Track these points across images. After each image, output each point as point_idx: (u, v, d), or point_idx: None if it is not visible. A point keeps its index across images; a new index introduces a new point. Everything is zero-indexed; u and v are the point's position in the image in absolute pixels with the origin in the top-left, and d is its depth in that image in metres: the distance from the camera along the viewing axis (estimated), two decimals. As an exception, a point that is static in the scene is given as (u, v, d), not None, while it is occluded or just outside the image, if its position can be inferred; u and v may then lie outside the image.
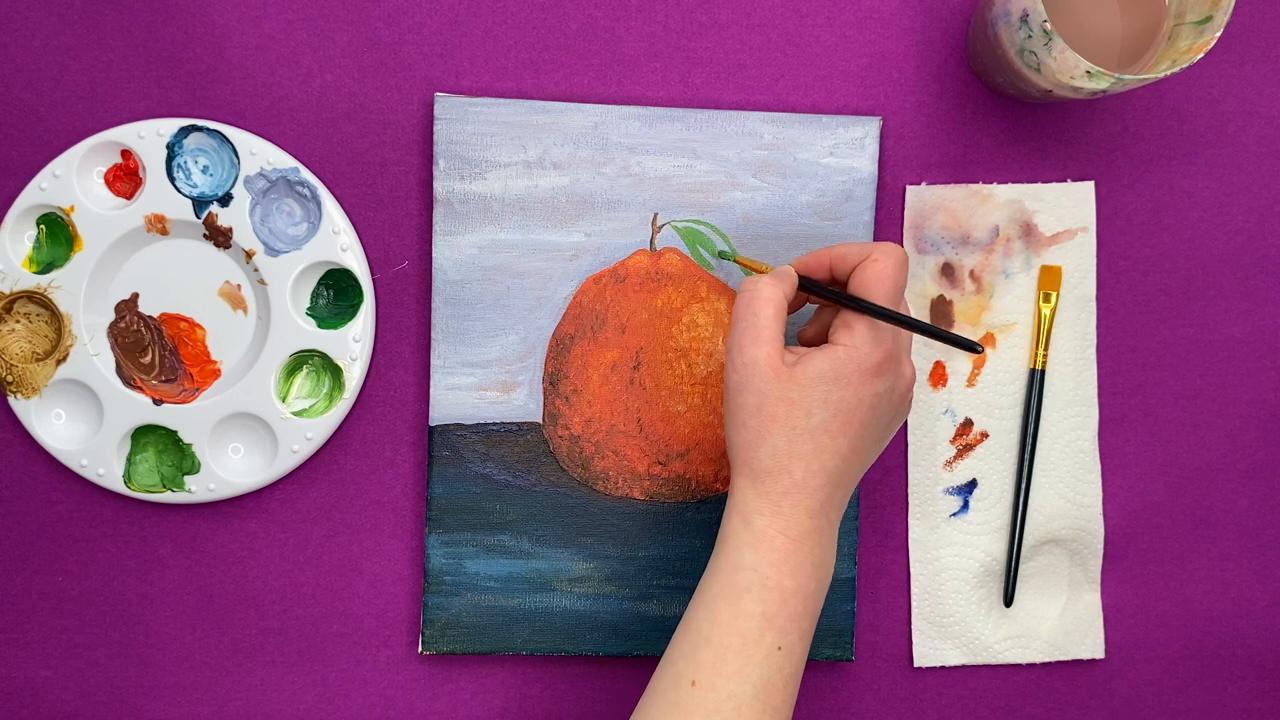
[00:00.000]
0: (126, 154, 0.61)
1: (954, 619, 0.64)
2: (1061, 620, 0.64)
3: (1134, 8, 0.57)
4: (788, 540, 0.50)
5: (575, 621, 0.62)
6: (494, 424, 0.61)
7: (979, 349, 0.49)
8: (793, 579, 0.50)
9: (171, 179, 0.60)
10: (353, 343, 0.61)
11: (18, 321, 0.61)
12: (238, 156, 0.60)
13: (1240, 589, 0.65)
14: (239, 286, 0.62)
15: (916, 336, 0.63)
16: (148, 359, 0.62)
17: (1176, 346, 0.64)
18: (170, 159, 0.60)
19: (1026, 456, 0.63)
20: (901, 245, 0.63)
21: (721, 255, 0.61)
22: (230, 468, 0.62)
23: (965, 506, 0.64)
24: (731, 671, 0.49)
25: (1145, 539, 0.65)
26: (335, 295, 0.62)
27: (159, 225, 0.61)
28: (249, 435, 0.62)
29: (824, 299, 0.53)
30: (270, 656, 0.63)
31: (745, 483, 0.51)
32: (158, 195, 0.60)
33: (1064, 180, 0.63)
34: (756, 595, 0.50)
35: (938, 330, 0.51)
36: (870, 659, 0.64)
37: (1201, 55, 0.53)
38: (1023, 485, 0.63)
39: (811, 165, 0.61)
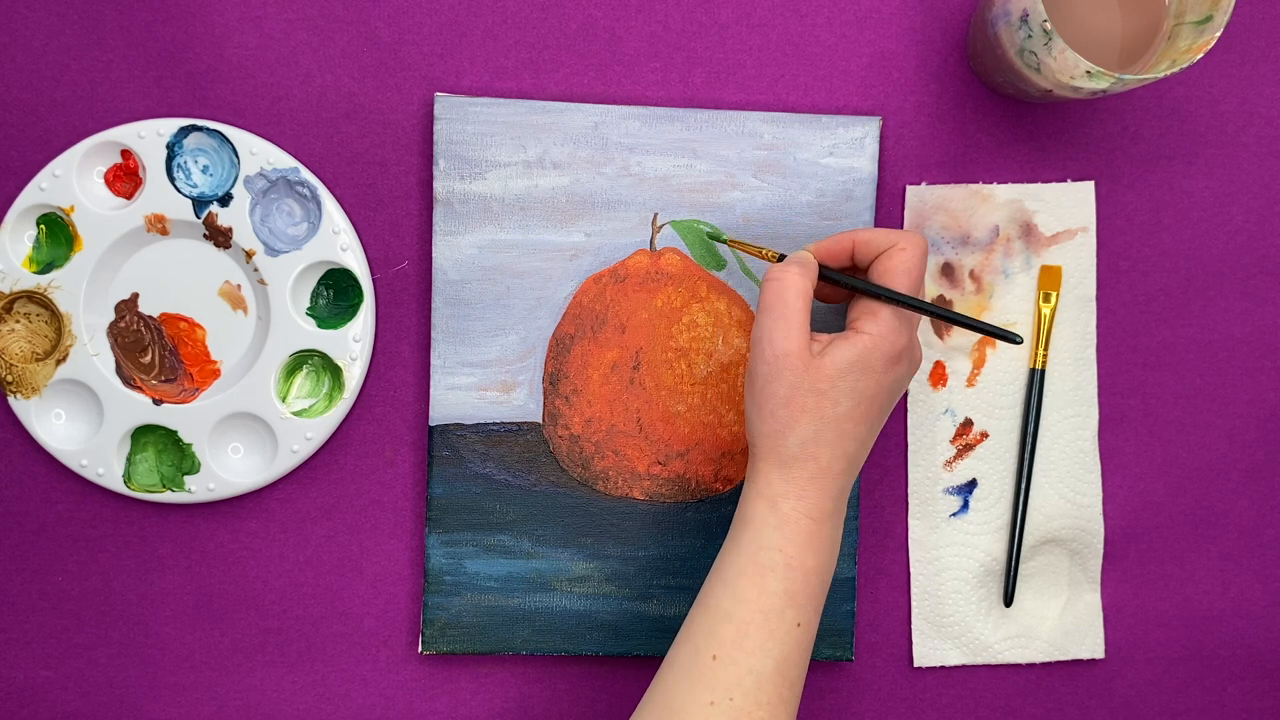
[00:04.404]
0: (126, 154, 0.61)
1: (954, 619, 0.64)
2: (1061, 620, 0.64)
3: (1134, 8, 0.57)
4: (811, 522, 0.51)
5: (575, 621, 0.62)
6: (494, 424, 0.61)
7: (1018, 339, 0.51)
8: (815, 558, 0.52)
9: (171, 179, 0.60)
10: (353, 343, 0.61)
11: (18, 321, 0.61)
12: (238, 156, 0.60)
13: (1240, 589, 0.65)
14: (239, 286, 0.62)
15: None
16: (148, 359, 0.62)
17: (1176, 346, 0.64)
18: (170, 159, 0.60)
19: (1026, 456, 0.63)
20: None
21: (710, 237, 0.61)
22: (230, 468, 0.62)
23: (965, 506, 0.64)
24: (753, 647, 0.50)
25: (1145, 539, 0.65)
26: (335, 295, 0.62)
27: (159, 225, 0.61)
28: (249, 435, 0.62)
29: (848, 288, 0.53)
30: (270, 656, 0.63)
31: (770, 468, 0.52)
32: (158, 195, 0.60)
33: (1064, 180, 0.63)
34: (780, 574, 0.51)
35: (974, 321, 0.52)
36: (870, 659, 0.64)
37: (1201, 55, 0.53)
38: (1023, 485, 0.63)
39: (811, 165, 0.61)
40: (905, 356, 0.52)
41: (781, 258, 0.55)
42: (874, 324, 0.51)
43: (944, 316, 0.52)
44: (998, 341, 0.63)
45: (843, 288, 0.54)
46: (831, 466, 0.51)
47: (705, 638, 0.51)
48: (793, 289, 0.52)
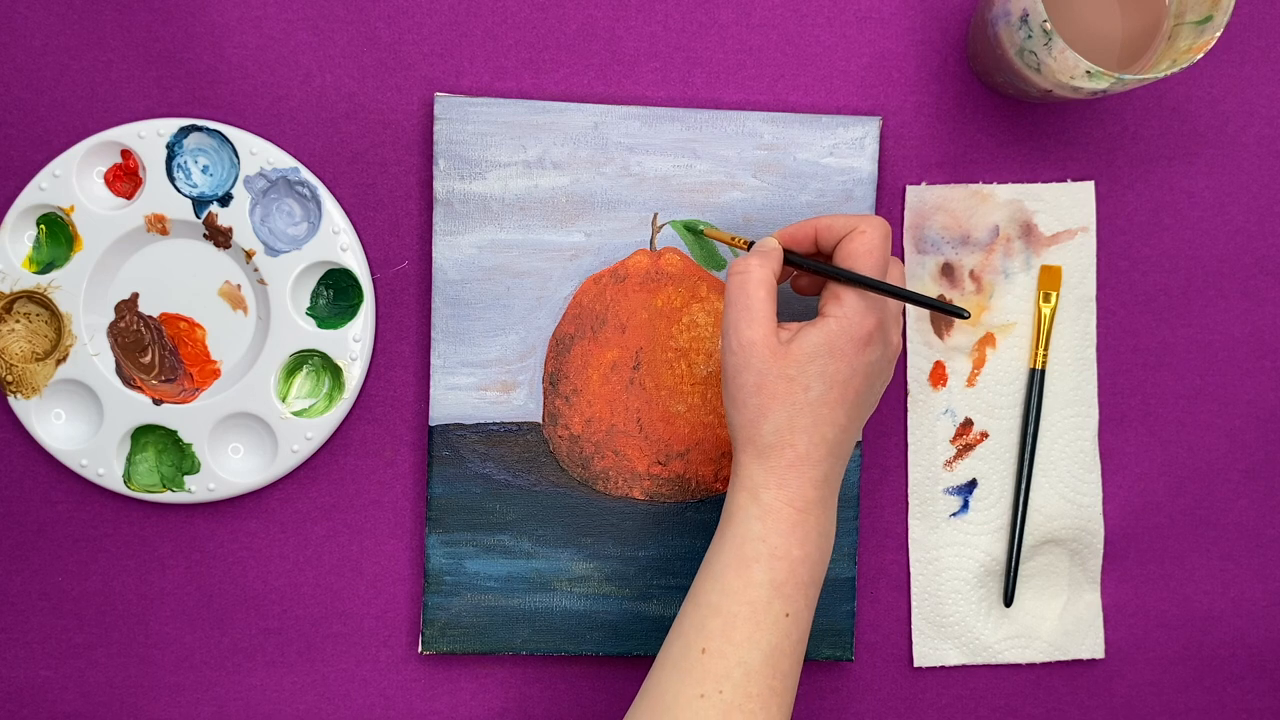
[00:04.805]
0: (126, 154, 0.61)
1: (954, 619, 0.64)
2: (1061, 620, 0.64)
3: (1134, 8, 0.57)
4: (794, 511, 0.51)
5: (575, 621, 0.62)
6: (494, 424, 0.61)
7: (965, 314, 0.51)
8: (800, 548, 0.51)
9: (171, 179, 0.60)
10: (353, 343, 0.61)
11: (18, 321, 0.61)
12: (238, 156, 0.60)
13: (1240, 589, 0.65)
14: (239, 286, 0.62)
15: (911, 320, 0.63)
16: (148, 359, 0.62)
17: (1176, 346, 0.64)
18: (170, 159, 0.60)
19: (1026, 456, 0.63)
20: (901, 242, 0.63)
21: (688, 228, 0.61)
22: (230, 468, 0.62)
23: (965, 506, 0.64)
24: (741, 639, 0.50)
25: (1145, 539, 0.65)
26: (335, 295, 0.62)
27: (159, 225, 0.61)
28: (249, 435, 0.62)
29: (812, 272, 0.53)
30: (270, 656, 0.63)
31: (750, 459, 0.52)
32: (158, 195, 0.60)
33: (1064, 180, 0.63)
34: (765, 564, 0.51)
35: (924, 298, 0.52)
36: (870, 659, 0.64)
37: (1201, 55, 0.53)
38: (1023, 485, 0.63)
39: (811, 165, 0.61)
40: (877, 339, 0.52)
41: (751, 244, 0.55)
42: (838, 307, 0.52)
43: (895, 294, 0.51)
44: (998, 341, 0.63)
45: (806, 271, 0.54)
46: (810, 454, 0.51)
47: (694, 632, 0.51)
48: (754, 279, 0.52)
